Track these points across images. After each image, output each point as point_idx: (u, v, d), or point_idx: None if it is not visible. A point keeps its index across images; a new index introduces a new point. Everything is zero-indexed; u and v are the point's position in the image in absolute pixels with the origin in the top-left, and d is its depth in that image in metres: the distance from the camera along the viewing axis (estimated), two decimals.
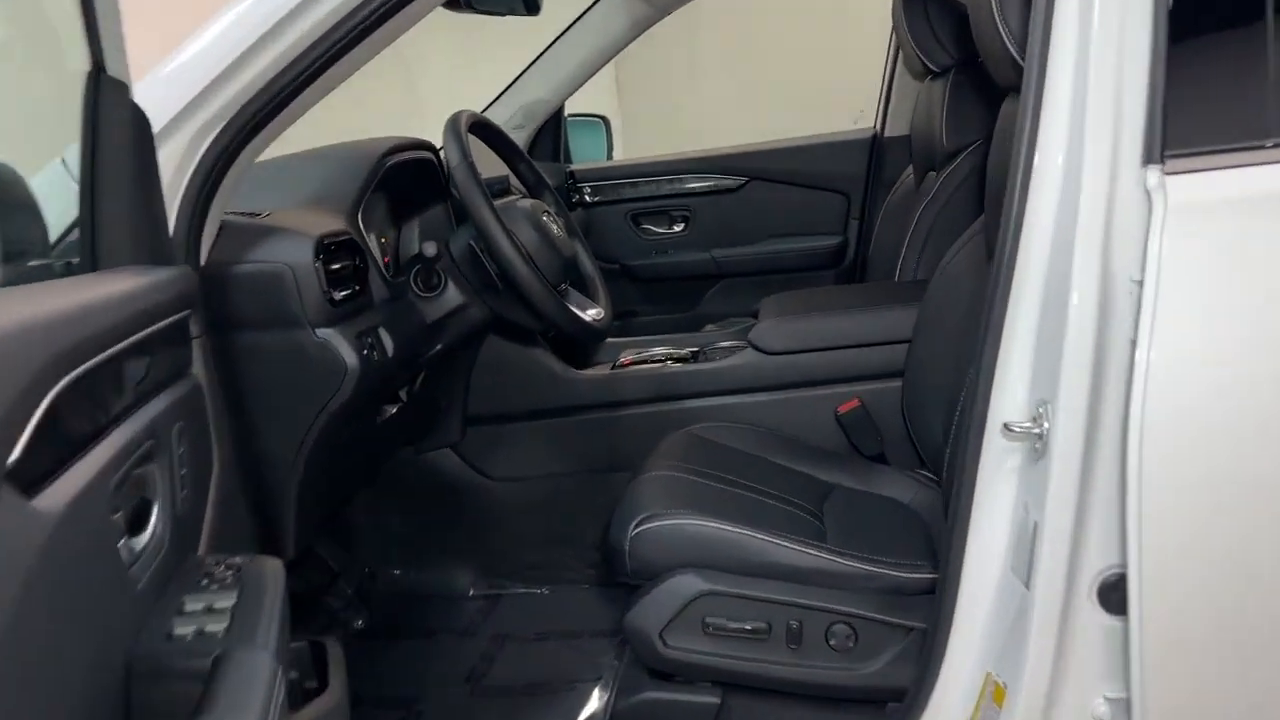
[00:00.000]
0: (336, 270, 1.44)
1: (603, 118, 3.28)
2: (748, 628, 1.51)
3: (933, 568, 1.54)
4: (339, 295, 1.43)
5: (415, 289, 1.67)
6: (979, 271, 1.60)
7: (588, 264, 1.97)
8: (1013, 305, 1.22)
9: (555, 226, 1.79)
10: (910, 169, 2.60)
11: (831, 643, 1.50)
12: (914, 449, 1.97)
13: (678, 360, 2.17)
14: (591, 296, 1.92)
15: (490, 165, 1.96)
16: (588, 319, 1.77)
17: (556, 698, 1.78)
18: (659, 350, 2.24)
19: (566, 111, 3.07)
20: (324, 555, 2.11)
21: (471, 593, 2.18)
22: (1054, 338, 1.17)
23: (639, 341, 2.37)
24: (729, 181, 3.00)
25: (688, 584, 1.52)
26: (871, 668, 1.50)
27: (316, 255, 1.39)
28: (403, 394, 1.90)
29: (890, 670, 1.49)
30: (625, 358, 2.22)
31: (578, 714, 1.73)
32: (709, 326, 2.68)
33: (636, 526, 1.56)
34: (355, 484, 1.72)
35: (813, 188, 3.00)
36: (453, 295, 1.70)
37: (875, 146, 2.93)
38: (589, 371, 2.13)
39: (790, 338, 2.06)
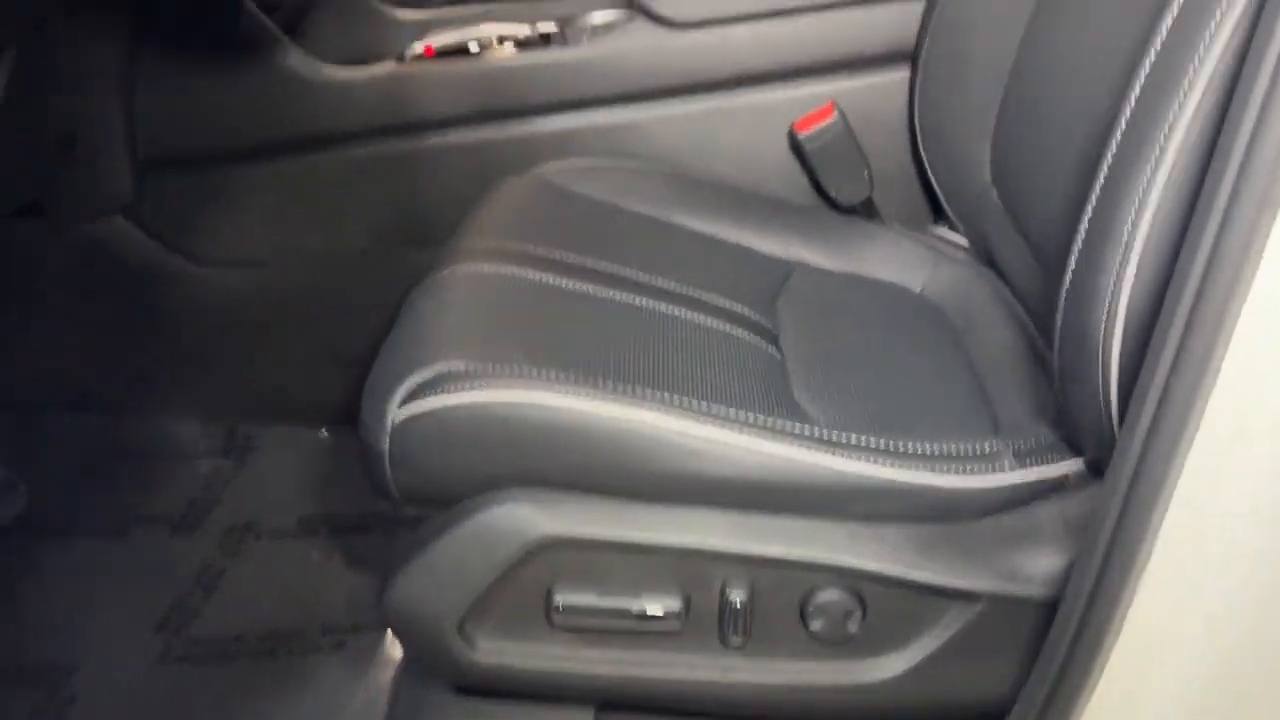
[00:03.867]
0: None
1: None
2: (639, 610, 0.72)
3: (1017, 455, 0.75)
4: None
5: None
6: None
7: None
8: None
9: None
10: None
11: (813, 627, 0.72)
12: (926, 193, 1.14)
13: (519, 45, 1.24)
14: None
15: None
16: None
17: (310, 667, 1.00)
18: (489, 29, 1.29)
19: None
20: None
21: (203, 446, 1.34)
22: None
23: (455, 17, 1.41)
24: None
25: (510, 522, 0.71)
26: (891, 670, 0.73)
27: None
28: None
29: (927, 673, 0.73)
30: (427, 44, 1.27)
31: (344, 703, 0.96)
32: None
33: (406, 401, 0.73)
34: None
35: None
36: None
37: None
38: (357, 70, 1.19)
39: None
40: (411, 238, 1.23)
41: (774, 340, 0.89)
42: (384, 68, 1.19)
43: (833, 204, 1.16)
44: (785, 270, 1.04)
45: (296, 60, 1.16)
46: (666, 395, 0.72)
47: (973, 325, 0.97)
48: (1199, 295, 0.52)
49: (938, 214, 1.13)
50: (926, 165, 1.10)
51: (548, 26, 1.34)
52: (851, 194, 1.15)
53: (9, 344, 1.30)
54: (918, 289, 1.06)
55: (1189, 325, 0.53)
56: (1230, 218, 0.50)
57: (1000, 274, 1.01)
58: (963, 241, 1.09)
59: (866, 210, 1.16)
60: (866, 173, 1.14)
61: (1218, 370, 0.53)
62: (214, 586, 1.12)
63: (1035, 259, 0.90)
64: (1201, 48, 0.57)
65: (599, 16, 1.33)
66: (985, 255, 1.04)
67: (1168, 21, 0.62)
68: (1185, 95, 0.57)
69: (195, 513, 1.23)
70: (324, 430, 1.35)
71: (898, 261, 1.07)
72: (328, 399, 1.35)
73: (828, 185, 1.15)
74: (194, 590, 1.11)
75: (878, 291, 1.05)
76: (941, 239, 1.10)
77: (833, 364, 0.87)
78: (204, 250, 1.24)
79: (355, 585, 1.10)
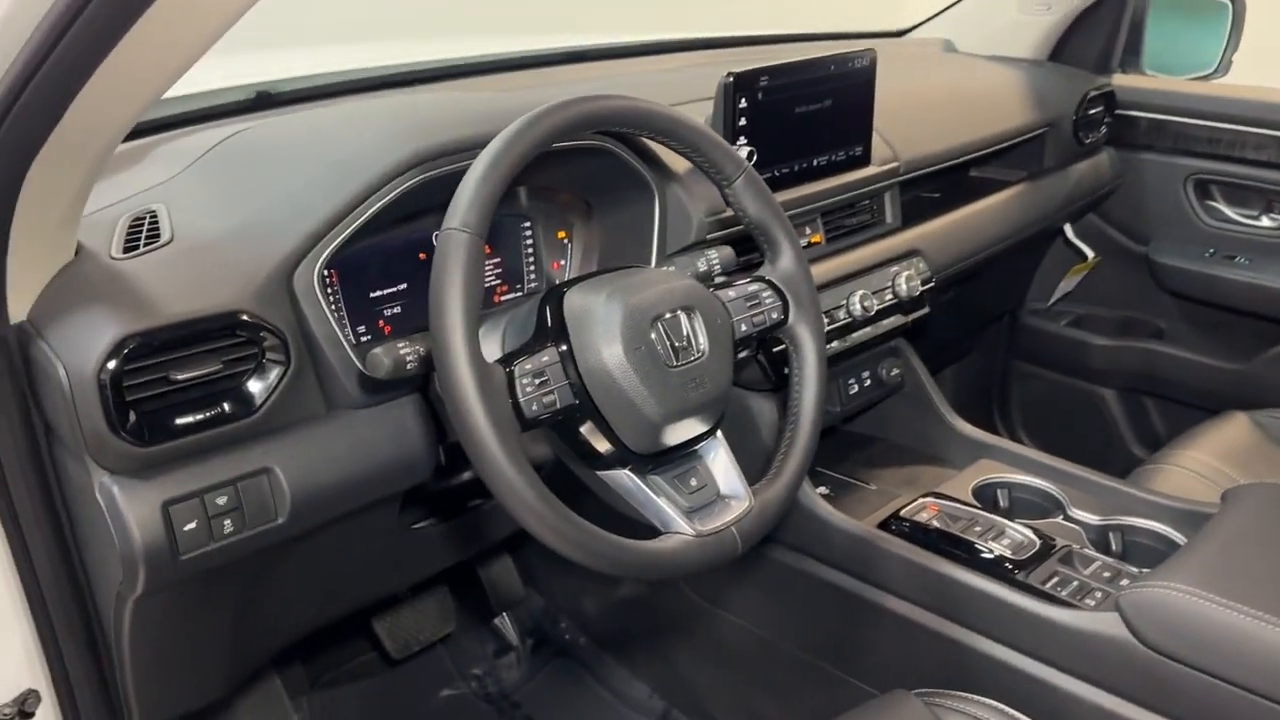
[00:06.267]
0: (181, 383, 0.79)
1: None
2: None
3: None
4: (154, 425, 0.79)
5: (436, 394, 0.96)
6: None
7: (808, 407, 1.03)
8: None
9: (698, 327, 0.90)
10: None
11: None
12: None
13: (1015, 567, 1.17)
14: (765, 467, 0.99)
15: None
16: (651, 546, 0.83)
17: None
18: (1022, 518, 1.27)
19: None
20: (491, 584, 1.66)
21: (645, 704, 1.59)
22: None
23: (1006, 449, 1.40)
24: None
25: None
26: None
27: (108, 362, 0.79)
28: None
29: None
30: (932, 502, 1.30)
31: None
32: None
33: None
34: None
35: None
36: None
37: None
38: (852, 523, 1.26)
39: (1203, 636, 0.97)
40: (851, 670, 1.29)
41: None
42: (866, 526, 1.25)
43: None
44: None
45: (821, 506, 1.28)
46: None
47: None
48: None
49: None
50: None
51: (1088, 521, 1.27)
52: None
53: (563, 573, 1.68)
54: None
55: None
56: None
57: None
58: None
59: None
60: None
61: None
62: None
63: None
64: None
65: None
66: None
67: None
68: None
69: None
70: None
71: None
72: None
73: None
74: None
75: None
76: None
77: None
78: (722, 600, 1.44)
79: None
